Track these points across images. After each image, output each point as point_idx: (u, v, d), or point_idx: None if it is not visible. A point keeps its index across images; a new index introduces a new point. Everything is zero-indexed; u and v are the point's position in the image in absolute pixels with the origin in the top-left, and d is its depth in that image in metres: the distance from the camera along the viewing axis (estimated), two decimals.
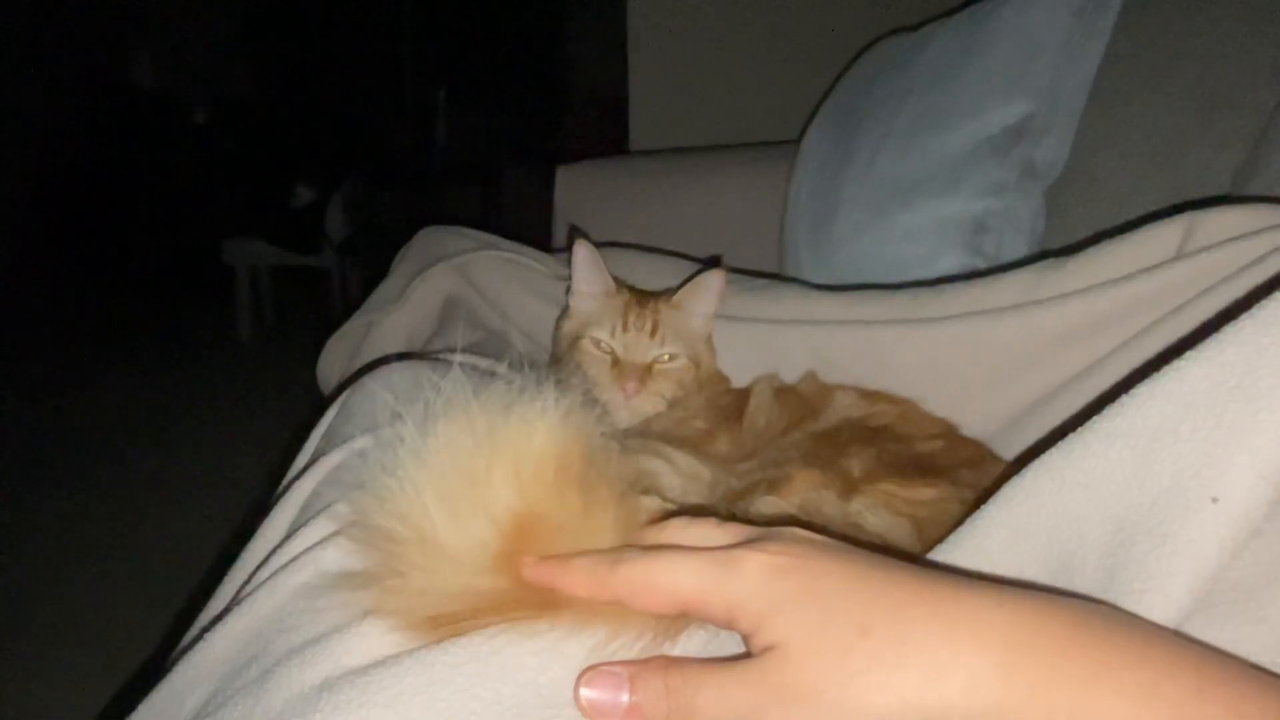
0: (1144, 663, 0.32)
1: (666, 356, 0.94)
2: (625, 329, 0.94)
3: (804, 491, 0.69)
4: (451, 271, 1.18)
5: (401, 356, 0.83)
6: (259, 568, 0.59)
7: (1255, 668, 0.34)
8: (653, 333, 0.94)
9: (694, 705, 0.38)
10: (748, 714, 0.37)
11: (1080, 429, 0.46)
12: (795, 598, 0.37)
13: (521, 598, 0.43)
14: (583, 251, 0.97)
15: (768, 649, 0.37)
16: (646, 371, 0.93)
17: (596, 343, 0.95)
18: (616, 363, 0.93)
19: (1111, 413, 0.45)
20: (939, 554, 0.48)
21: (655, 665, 0.40)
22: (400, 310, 1.18)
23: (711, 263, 1.06)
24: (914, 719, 0.34)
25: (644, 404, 0.92)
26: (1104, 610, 0.36)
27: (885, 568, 0.39)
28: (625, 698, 0.40)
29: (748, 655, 0.38)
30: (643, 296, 0.98)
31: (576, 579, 0.42)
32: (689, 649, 0.43)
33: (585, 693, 0.40)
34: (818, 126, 1.52)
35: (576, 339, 0.96)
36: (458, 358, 0.51)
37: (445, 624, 0.43)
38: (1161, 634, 0.35)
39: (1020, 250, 1.18)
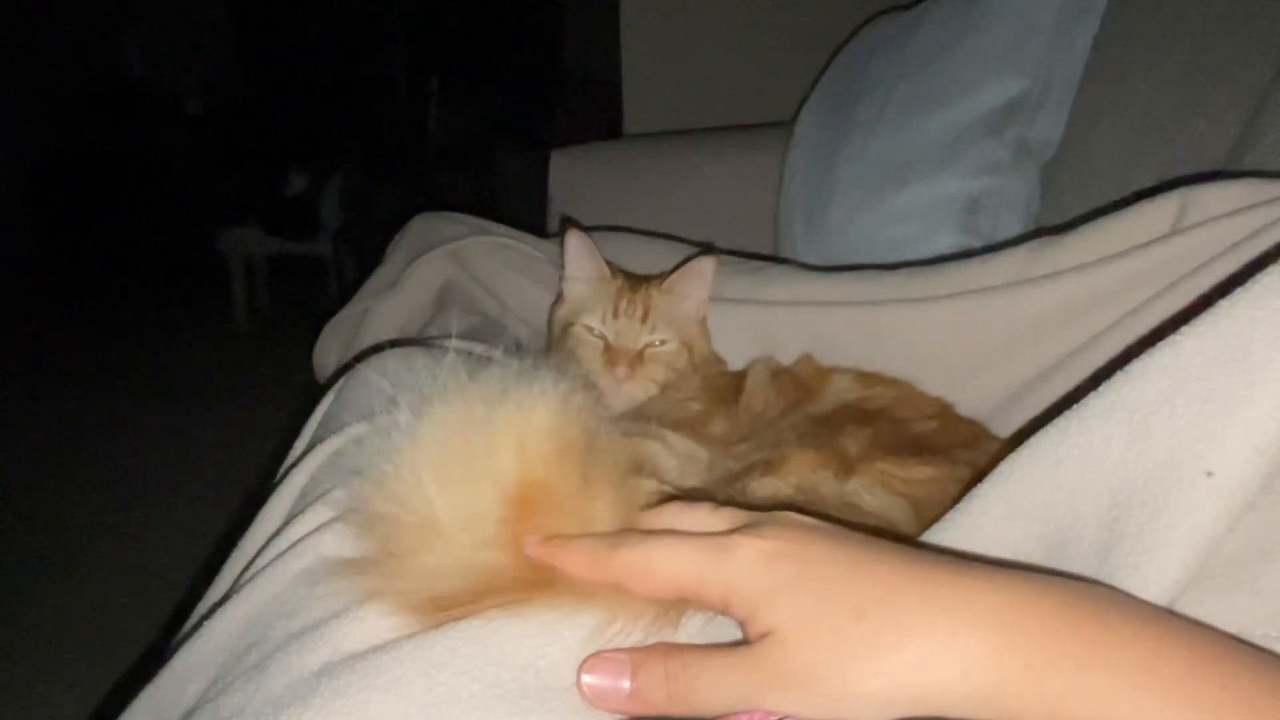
0: (1138, 641, 0.33)
1: (658, 342, 0.94)
2: (616, 315, 0.94)
3: (801, 472, 0.69)
4: (446, 257, 1.18)
5: (397, 343, 0.83)
6: (258, 555, 0.59)
7: (1247, 644, 0.34)
8: (644, 318, 0.94)
9: (693, 690, 0.39)
10: (746, 699, 0.37)
11: (1076, 405, 0.46)
12: (790, 583, 0.38)
13: (520, 578, 0.43)
14: (574, 239, 0.97)
15: (764, 635, 0.37)
16: (638, 357, 0.93)
17: (588, 329, 0.95)
18: (608, 348, 0.93)
19: (1107, 388, 0.45)
20: (936, 532, 0.49)
21: (656, 651, 0.41)
22: (396, 297, 1.18)
23: (704, 248, 1.05)
24: (910, 703, 0.34)
25: (635, 389, 0.92)
26: (1098, 590, 0.37)
27: (880, 551, 0.39)
28: (626, 684, 0.40)
29: (745, 640, 0.39)
30: (634, 282, 0.97)
31: (576, 560, 0.43)
32: (687, 631, 0.43)
33: (587, 679, 0.41)
34: (812, 108, 1.51)
35: (569, 325, 0.96)
36: (453, 343, 0.51)
37: (444, 607, 0.43)
38: (1155, 612, 0.35)
39: (1015, 228, 1.18)
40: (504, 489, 0.43)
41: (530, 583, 0.43)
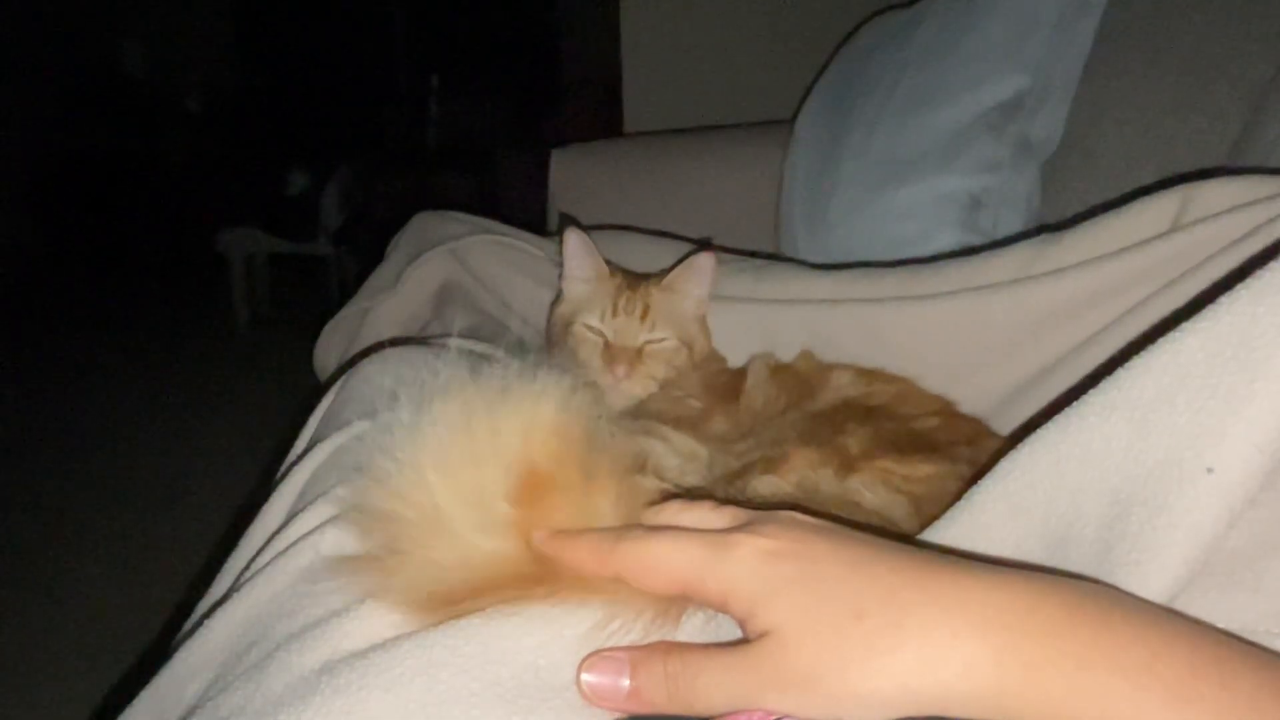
0: (1139, 642, 0.32)
1: (658, 339, 0.94)
2: (615, 313, 0.94)
3: (801, 470, 0.69)
4: (447, 256, 1.18)
5: (398, 341, 0.83)
6: (258, 554, 0.59)
7: (1248, 643, 0.34)
8: (643, 317, 0.94)
9: (693, 690, 0.38)
10: (746, 698, 0.37)
11: (1076, 402, 0.46)
12: (789, 582, 0.38)
13: (521, 572, 0.43)
14: (573, 238, 0.96)
15: (763, 634, 0.37)
16: (637, 355, 0.93)
17: (588, 327, 0.95)
18: (608, 347, 0.93)
19: (1107, 386, 0.45)
20: (936, 530, 0.49)
21: (655, 650, 0.41)
22: (396, 296, 1.18)
23: (703, 245, 1.05)
24: (911, 703, 0.34)
25: (635, 387, 0.92)
26: (1099, 590, 0.36)
27: (880, 550, 0.39)
28: (626, 682, 0.40)
29: (745, 639, 0.39)
30: (633, 280, 0.97)
31: (579, 553, 0.43)
32: (688, 629, 0.43)
33: (586, 677, 0.41)
34: (812, 105, 1.51)
35: (568, 324, 0.96)
36: (454, 341, 0.51)
37: (445, 603, 0.43)
38: (1155, 612, 0.35)
39: (1016, 226, 1.17)
40: (507, 474, 0.44)
41: (531, 578, 0.43)
